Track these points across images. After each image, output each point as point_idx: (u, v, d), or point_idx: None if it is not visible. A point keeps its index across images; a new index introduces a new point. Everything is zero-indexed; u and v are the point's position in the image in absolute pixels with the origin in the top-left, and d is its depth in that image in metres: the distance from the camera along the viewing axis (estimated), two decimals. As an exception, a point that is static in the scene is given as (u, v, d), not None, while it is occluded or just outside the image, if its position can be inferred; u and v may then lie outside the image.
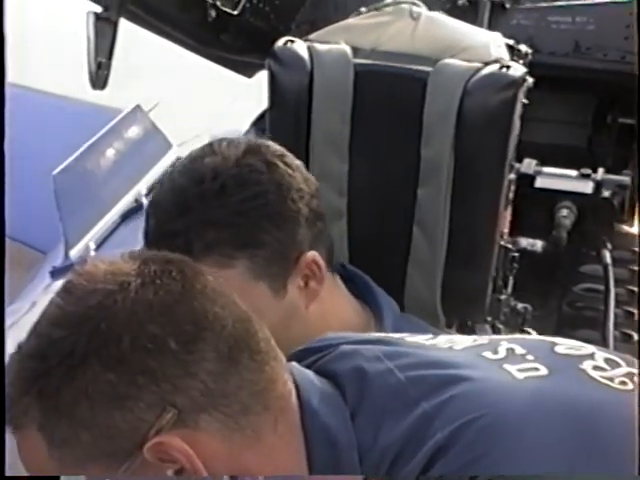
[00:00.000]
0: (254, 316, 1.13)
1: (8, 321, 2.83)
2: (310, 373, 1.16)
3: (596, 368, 1.11)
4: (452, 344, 1.18)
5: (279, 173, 1.74)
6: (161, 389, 1.02)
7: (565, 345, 1.16)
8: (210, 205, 1.65)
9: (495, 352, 1.14)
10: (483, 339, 1.20)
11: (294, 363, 1.18)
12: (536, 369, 1.10)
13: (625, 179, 2.52)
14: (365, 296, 1.84)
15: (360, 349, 1.15)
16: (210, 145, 1.75)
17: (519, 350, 1.14)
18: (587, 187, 2.49)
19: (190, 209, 1.65)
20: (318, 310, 1.73)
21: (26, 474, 1.98)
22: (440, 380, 1.08)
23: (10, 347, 2.55)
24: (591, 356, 1.13)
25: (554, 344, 1.17)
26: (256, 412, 1.08)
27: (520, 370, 1.10)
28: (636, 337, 2.47)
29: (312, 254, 1.72)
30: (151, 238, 1.70)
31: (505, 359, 1.12)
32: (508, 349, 1.14)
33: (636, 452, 1.01)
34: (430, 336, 1.24)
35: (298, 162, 1.80)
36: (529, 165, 2.51)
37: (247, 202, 1.67)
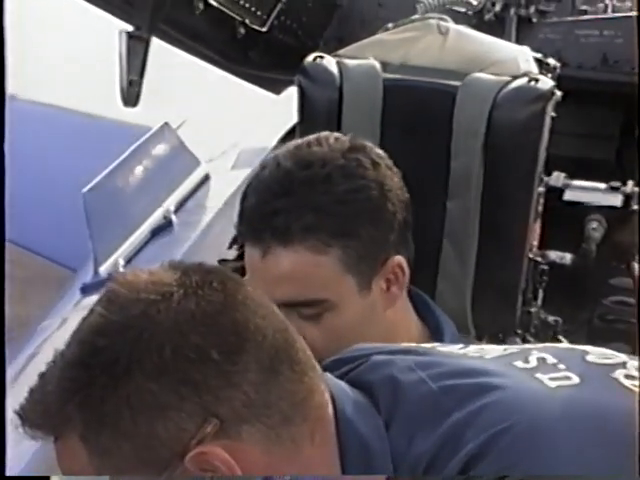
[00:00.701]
0: (291, 327, 1.13)
1: (40, 338, 2.87)
2: (343, 384, 1.16)
3: (628, 377, 1.10)
4: (483, 353, 1.19)
5: (382, 173, 1.76)
6: (203, 400, 1.02)
7: (596, 354, 1.16)
8: (315, 190, 1.67)
9: (526, 361, 1.14)
10: (513, 348, 1.20)
11: (328, 374, 1.17)
12: (568, 378, 1.10)
13: (655, 192, 2.52)
14: (425, 314, 1.85)
15: (393, 359, 1.16)
16: (315, 137, 1.77)
17: (550, 359, 1.14)
18: (616, 200, 2.50)
19: (294, 191, 1.67)
20: (392, 316, 1.75)
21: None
22: (472, 389, 1.08)
23: (40, 365, 2.56)
24: (623, 365, 1.13)
25: (585, 353, 1.16)
26: (296, 423, 1.08)
27: (552, 379, 1.09)
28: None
29: (399, 259, 1.74)
30: (247, 216, 1.71)
31: (537, 368, 1.12)
32: (539, 358, 1.14)
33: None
34: (461, 345, 1.24)
35: (397, 169, 1.81)
36: (558, 178, 2.51)
37: (351, 194, 1.69)
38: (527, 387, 1.08)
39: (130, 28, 2.55)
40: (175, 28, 2.81)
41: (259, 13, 2.90)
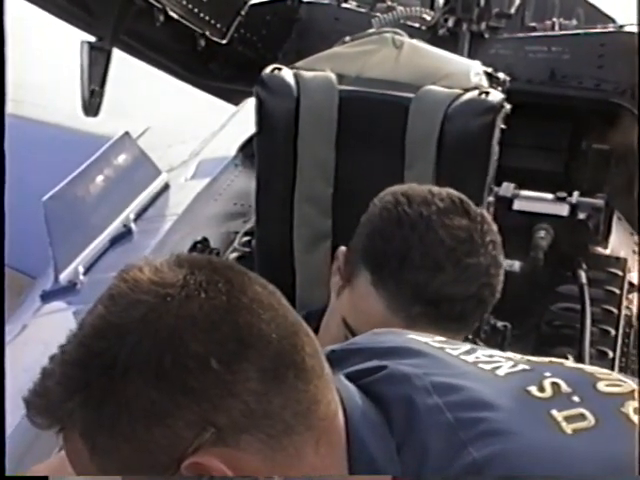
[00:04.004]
0: (304, 327, 1.08)
1: (-1, 344, 2.89)
2: (357, 394, 1.11)
3: (636, 411, 1.11)
4: (494, 365, 1.16)
5: None
6: (201, 408, 0.99)
7: (605, 381, 1.15)
8: None
9: (541, 389, 1.12)
10: (525, 363, 1.17)
11: (341, 377, 1.13)
12: (583, 417, 1.09)
13: (599, 202, 2.60)
14: None
15: (409, 375, 1.11)
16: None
17: (564, 387, 1.12)
18: (563, 210, 2.57)
19: None
20: None
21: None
22: (490, 429, 1.06)
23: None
24: (632, 395, 1.13)
25: (596, 379, 1.15)
26: (299, 432, 1.04)
27: (567, 419, 1.08)
28: (611, 354, 2.54)
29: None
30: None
31: (552, 400, 1.11)
32: (553, 384, 1.13)
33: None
34: (469, 348, 1.21)
35: None
36: (507, 188, 2.59)
37: None
38: (544, 437, 1.07)
39: (92, 39, 2.59)
40: (136, 39, 2.85)
41: (219, 26, 2.95)
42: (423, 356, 1.16)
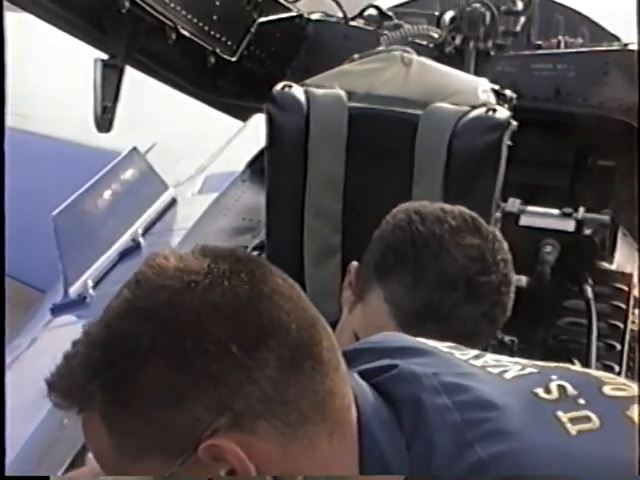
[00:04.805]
0: (322, 322, 1.10)
1: (9, 357, 2.91)
2: (369, 391, 1.13)
3: None
4: (502, 369, 1.18)
5: None
6: (220, 393, 1.01)
7: (611, 384, 1.17)
8: None
9: (548, 391, 1.13)
10: (532, 367, 1.19)
11: (354, 375, 1.15)
12: (588, 419, 1.11)
13: (605, 218, 2.62)
14: None
15: (418, 374, 1.13)
16: None
17: (570, 390, 1.14)
18: (569, 225, 2.59)
19: None
20: None
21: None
22: (496, 429, 1.08)
23: (9, 383, 2.60)
24: (636, 399, 1.14)
25: (601, 383, 1.17)
26: (314, 422, 1.06)
27: (572, 421, 1.10)
28: (617, 369, 2.55)
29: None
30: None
31: (558, 402, 1.12)
32: (559, 387, 1.14)
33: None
34: (477, 353, 1.22)
35: None
36: (514, 204, 2.61)
37: None
38: (549, 437, 1.08)
39: (105, 57, 2.62)
40: (147, 57, 2.88)
41: (229, 43, 2.98)
42: (433, 356, 1.18)
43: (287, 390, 1.04)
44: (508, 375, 1.17)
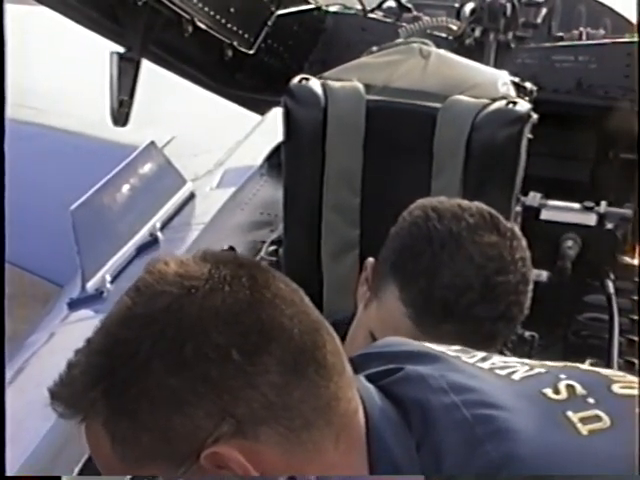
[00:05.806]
0: (326, 326, 1.10)
1: (28, 352, 2.91)
2: (376, 394, 1.12)
3: None
4: (509, 370, 1.17)
5: None
6: (221, 399, 1.01)
7: (620, 383, 1.16)
8: None
9: (556, 391, 1.13)
10: (539, 367, 1.18)
11: (361, 378, 1.14)
12: (598, 418, 1.10)
13: (627, 212, 2.59)
14: None
15: (425, 376, 1.12)
16: None
17: (579, 390, 1.13)
18: (591, 219, 2.57)
19: None
20: None
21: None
22: (506, 427, 1.07)
23: (27, 379, 2.57)
24: None
25: (610, 381, 1.16)
26: (318, 427, 1.05)
27: (583, 420, 1.09)
28: (638, 365, 2.52)
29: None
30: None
31: (567, 402, 1.12)
32: (568, 386, 1.13)
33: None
34: (484, 355, 1.22)
35: None
36: (534, 198, 2.58)
37: None
38: (559, 436, 1.08)
39: (121, 50, 2.61)
40: (164, 50, 2.87)
41: (246, 36, 2.97)
42: (440, 360, 1.17)
43: (290, 395, 1.03)
44: (516, 376, 1.16)
